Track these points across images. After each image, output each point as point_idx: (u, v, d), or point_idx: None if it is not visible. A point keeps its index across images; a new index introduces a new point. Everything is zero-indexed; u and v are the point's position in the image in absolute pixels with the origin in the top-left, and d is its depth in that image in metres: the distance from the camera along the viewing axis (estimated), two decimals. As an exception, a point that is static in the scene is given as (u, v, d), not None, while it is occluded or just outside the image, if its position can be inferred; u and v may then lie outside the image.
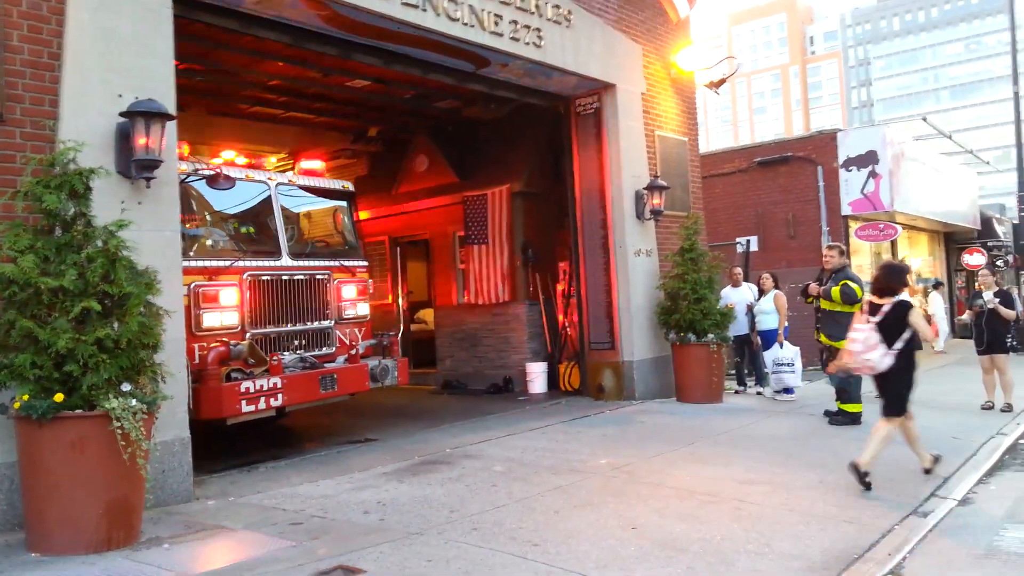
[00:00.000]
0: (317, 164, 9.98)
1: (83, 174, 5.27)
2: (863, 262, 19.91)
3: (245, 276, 8.19)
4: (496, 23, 9.59)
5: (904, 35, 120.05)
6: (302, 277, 8.81)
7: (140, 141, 6.02)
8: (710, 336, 10.89)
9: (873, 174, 17.84)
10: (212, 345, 7.65)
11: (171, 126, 6.35)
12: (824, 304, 9.67)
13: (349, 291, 9.38)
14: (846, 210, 18.23)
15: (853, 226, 18.63)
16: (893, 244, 20.72)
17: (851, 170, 18.15)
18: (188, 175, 7.88)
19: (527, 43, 10.04)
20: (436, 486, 6.57)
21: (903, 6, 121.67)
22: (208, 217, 8.42)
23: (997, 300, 10.53)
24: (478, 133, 13.82)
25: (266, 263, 8.48)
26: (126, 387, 5.08)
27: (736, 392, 12.25)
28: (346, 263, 9.48)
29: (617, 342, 11.50)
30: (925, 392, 11.90)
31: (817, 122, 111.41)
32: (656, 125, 12.43)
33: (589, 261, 11.89)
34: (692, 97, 13.59)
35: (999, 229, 27.46)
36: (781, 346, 11.43)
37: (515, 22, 9.87)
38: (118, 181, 6.06)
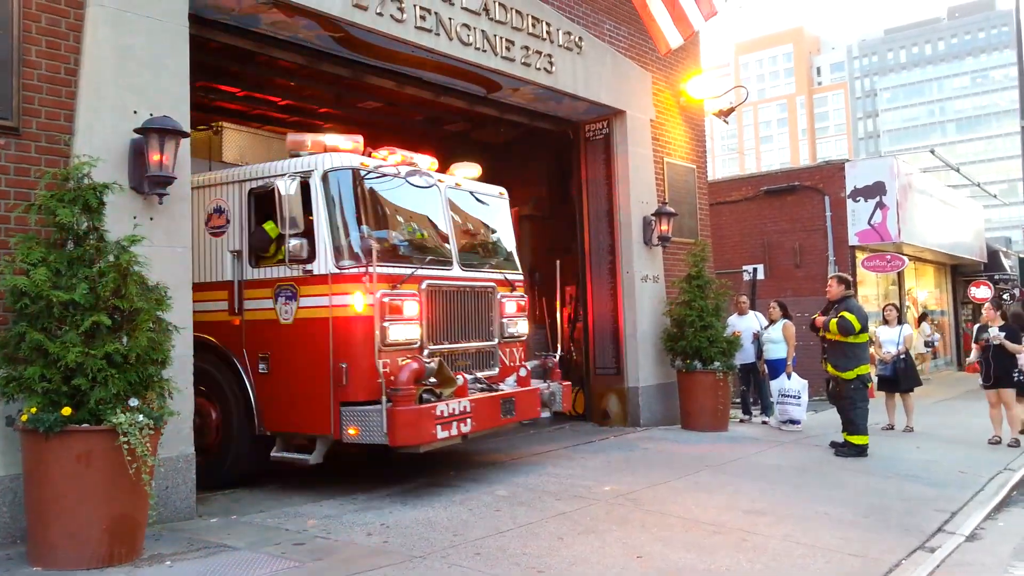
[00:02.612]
0: (474, 168, 8.94)
1: (97, 189, 5.30)
2: (870, 293, 19.89)
3: (423, 286, 7.44)
4: (508, 48, 9.67)
5: (911, 67, 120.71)
6: (473, 289, 8.07)
7: (154, 158, 6.05)
8: (716, 364, 10.85)
9: (880, 205, 17.86)
10: (402, 361, 6.93)
11: (185, 143, 6.39)
12: (829, 336, 9.66)
13: (511, 306, 8.55)
14: (853, 240, 18.23)
15: (860, 256, 18.63)
16: (900, 276, 20.70)
17: (858, 200, 18.17)
18: (369, 171, 7.28)
19: (538, 68, 10.11)
20: (439, 509, 6.53)
21: (910, 39, 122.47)
22: (386, 219, 7.70)
23: (1003, 335, 10.50)
24: (486, 156, 13.85)
25: (441, 272, 7.73)
26: (134, 402, 5.07)
27: (741, 421, 12.19)
28: (509, 275, 8.69)
29: (623, 368, 11.47)
30: (929, 424, 11.87)
31: (823, 152, 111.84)
32: (665, 152, 12.48)
33: (596, 286, 11.89)
34: (701, 125, 13.66)
35: (1006, 262, 27.44)
36: (789, 377, 11.39)
37: (527, 47, 9.95)
38: (131, 197, 6.09)
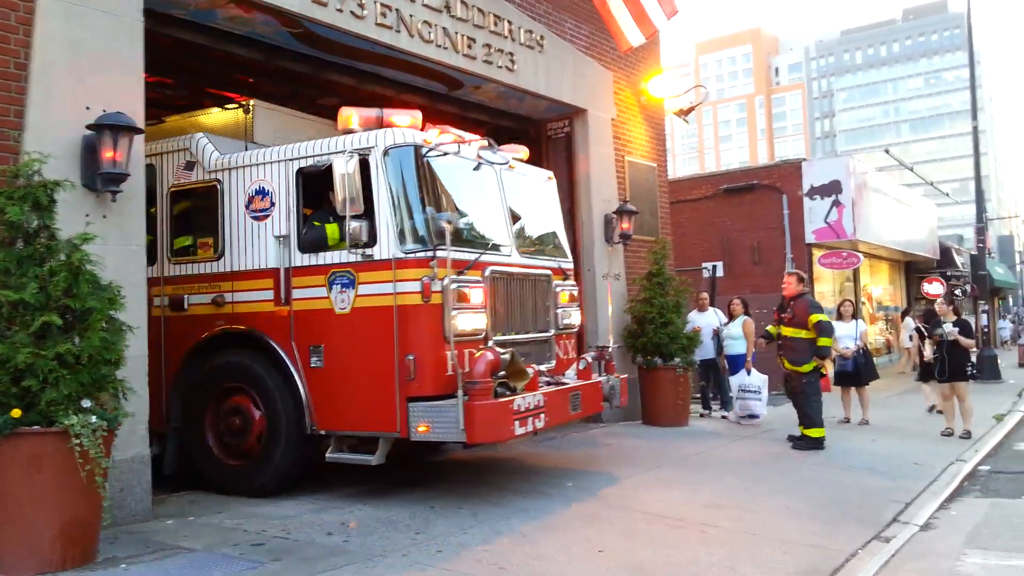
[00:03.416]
0: (522, 150, 8.35)
1: (47, 186, 5.17)
2: (826, 289, 20.21)
3: (487, 272, 6.91)
4: (470, 46, 9.66)
5: (866, 68, 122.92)
6: (532, 277, 7.60)
7: (107, 154, 5.93)
8: (676, 360, 10.95)
9: (837, 203, 18.16)
10: (476, 353, 6.44)
11: (138, 140, 6.27)
12: (785, 331, 9.82)
13: (565, 296, 8.10)
14: (810, 238, 18.51)
15: (817, 254, 18.93)
16: (855, 273, 21.07)
17: (815, 199, 18.46)
18: (431, 148, 6.76)
19: (500, 66, 10.11)
20: (401, 508, 6.50)
21: (866, 40, 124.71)
22: (447, 201, 7.08)
23: (957, 330, 10.73)
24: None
25: (502, 258, 7.25)
26: (86, 403, 4.96)
27: (701, 416, 12.31)
28: (562, 264, 8.27)
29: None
30: (884, 418, 12.11)
31: (781, 151, 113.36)
32: (626, 151, 12.56)
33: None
34: (661, 124, 13.77)
35: (958, 259, 28.09)
36: (748, 372, 11.53)
37: (488, 45, 9.94)
38: (83, 194, 5.96)
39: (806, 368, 9.64)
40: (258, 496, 6.83)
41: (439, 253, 6.40)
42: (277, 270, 6.98)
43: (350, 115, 6.97)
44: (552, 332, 7.85)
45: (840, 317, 12.41)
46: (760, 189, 19.09)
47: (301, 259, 6.90)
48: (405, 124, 6.86)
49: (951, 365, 10.75)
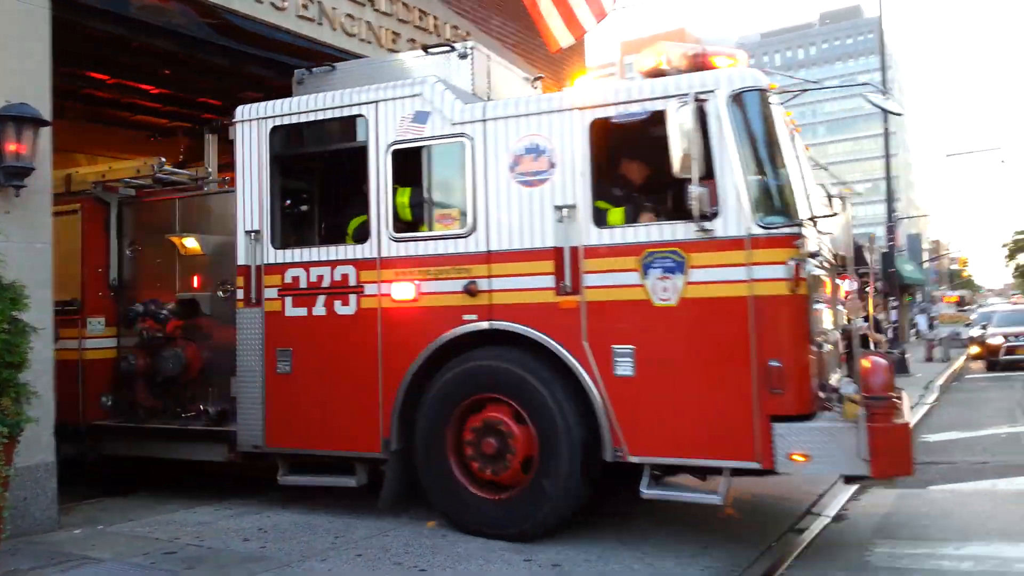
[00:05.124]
0: None
1: (-57, 180, 4.91)
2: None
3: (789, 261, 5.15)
4: (394, 40, 9.58)
5: (785, 70, 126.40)
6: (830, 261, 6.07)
7: (10, 147, 5.69)
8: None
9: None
10: (864, 361, 5.04)
11: (45, 132, 6.01)
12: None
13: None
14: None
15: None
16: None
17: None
18: (784, 93, 5.58)
19: (425, 62, 10.00)
20: (321, 511, 6.39)
21: (784, 43, 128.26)
22: (787, 162, 5.53)
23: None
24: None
25: (821, 238, 5.90)
26: (-15, 409, 4.73)
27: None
28: None
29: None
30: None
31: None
32: (551, 148, 12.59)
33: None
34: (587, 122, 13.85)
35: (869, 257, 29.12)
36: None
37: (413, 40, 9.86)
38: (-17, 188, 5.68)
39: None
40: (523, 542, 5.50)
41: (807, 229, 5.20)
42: (560, 250, 5.56)
43: (665, 51, 5.61)
44: (839, 333, 6.42)
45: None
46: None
47: (597, 235, 5.49)
48: (726, 65, 5.53)
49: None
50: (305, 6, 8.41)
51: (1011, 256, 66.44)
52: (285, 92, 10.90)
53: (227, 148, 7.95)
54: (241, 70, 9.31)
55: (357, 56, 9.17)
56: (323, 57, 9.15)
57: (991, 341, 23.37)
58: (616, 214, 5.66)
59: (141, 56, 9.19)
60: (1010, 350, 22.64)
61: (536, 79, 6.95)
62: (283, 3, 8.15)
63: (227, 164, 8.32)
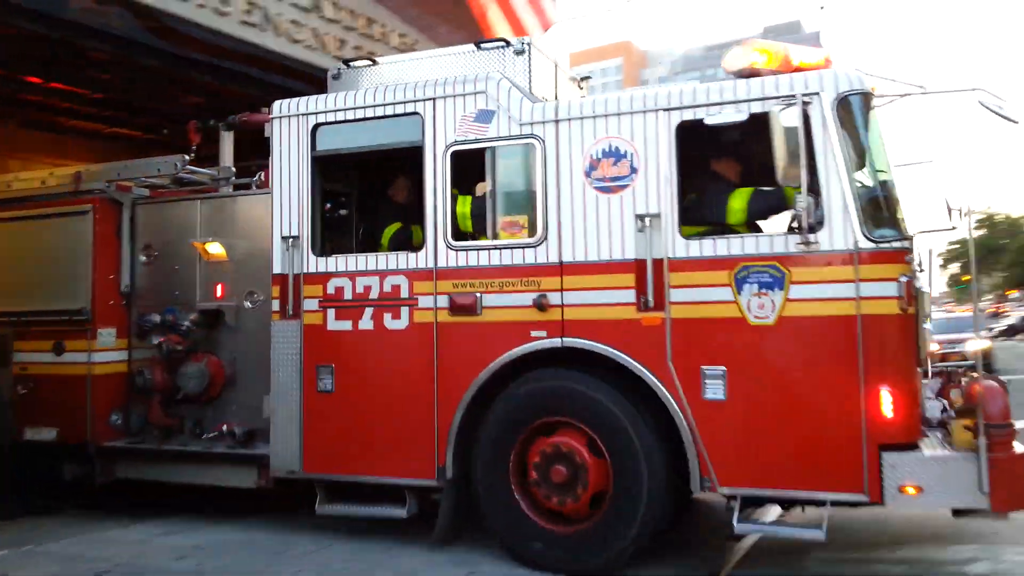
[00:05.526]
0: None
1: None
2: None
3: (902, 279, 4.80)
4: (340, 47, 9.50)
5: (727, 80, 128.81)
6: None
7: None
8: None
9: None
10: (977, 386, 4.74)
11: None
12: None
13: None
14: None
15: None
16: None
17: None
18: (883, 97, 5.17)
19: (372, 70, 9.93)
20: (261, 528, 6.26)
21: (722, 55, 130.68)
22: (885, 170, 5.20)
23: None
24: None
25: None
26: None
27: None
28: None
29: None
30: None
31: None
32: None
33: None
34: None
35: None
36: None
37: (360, 47, 9.78)
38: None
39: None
40: None
41: (911, 244, 4.89)
42: (642, 262, 5.14)
43: (755, 51, 5.30)
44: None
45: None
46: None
47: (685, 247, 5.09)
48: (816, 64, 5.20)
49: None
50: (249, 11, 8.30)
51: (944, 266, 68.61)
52: (228, 98, 10.83)
53: (212, 144, 7.58)
54: (181, 75, 9.15)
55: (303, 62, 9.08)
56: (267, 63, 9.04)
57: (926, 349, 23.98)
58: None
59: (78, 60, 8.98)
60: (944, 357, 23.29)
61: (583, 79, 6.58)
62: (226, 7, 8.02)
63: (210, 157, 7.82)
